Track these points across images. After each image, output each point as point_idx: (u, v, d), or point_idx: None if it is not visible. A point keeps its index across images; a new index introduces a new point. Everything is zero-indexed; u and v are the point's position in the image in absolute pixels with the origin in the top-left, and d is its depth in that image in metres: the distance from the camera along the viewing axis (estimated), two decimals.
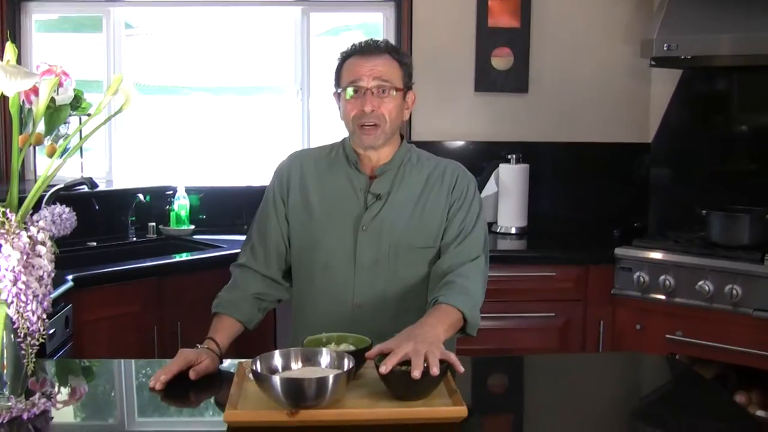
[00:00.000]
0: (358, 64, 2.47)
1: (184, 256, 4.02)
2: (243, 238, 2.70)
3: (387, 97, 2.46)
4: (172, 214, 4.51)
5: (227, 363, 2.33)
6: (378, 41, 2.54)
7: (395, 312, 2.49)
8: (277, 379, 1.86)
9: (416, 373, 1.92)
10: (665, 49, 3.97)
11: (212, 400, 2.16)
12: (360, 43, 2.53)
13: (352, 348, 2.15)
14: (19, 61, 1.88)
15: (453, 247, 2.51)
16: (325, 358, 2.03)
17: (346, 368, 1.94)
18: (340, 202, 2.54)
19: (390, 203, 2.52)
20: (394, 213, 2.51)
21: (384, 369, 1.94)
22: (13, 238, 1.75)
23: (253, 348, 2.44)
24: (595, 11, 4.68)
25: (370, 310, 2.49)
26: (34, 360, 1.84)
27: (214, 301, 2.52)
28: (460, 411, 1.91)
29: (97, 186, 3.96)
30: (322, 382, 1.85)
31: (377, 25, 4.83)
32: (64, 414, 2.00)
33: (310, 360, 2.03)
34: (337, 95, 2.54)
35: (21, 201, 1.87)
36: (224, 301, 2.51)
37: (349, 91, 2.47)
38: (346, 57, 2.53)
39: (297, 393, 1.84)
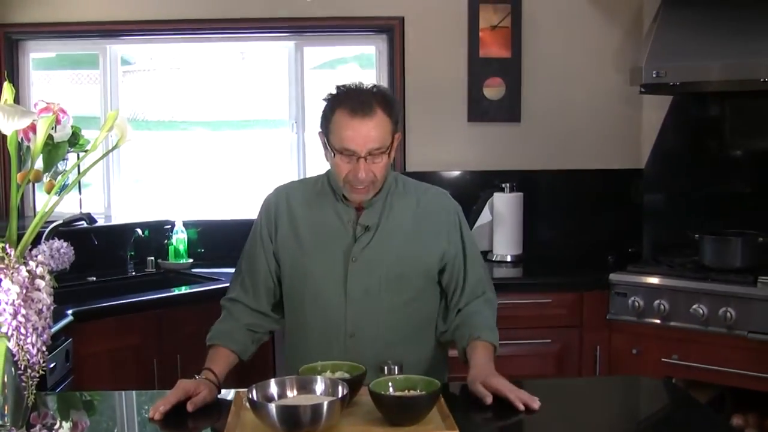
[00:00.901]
0: (351, 128, 2.38)
1: (183, 290, 4.06)
2: None
3: (379, 160, 2.43)
4: (171, 248, 4.54)
5: (230, 394, 2.35)
6: (369, 95, 2.43)
7: (388, 340, 2.53)
8: (273, 407, 1.89)
9: (536, 405, 2.17)
10: (654, 76, 4.01)
11: (210, 429, 2.18)
12: (350, 92, 2.44)
13: (346, 376, 2.18)
14: (17, 98, 1.92)
15: (460, 286, 2.59)
16: (320, 385, 2.06)
17: (340, 395, 1.97)
18: (330, 234, 2.55)
19: (379, 234, 2.54)
20: (384, 243, 2.53)
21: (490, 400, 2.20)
22: (12, 273, 1.78)
23: (253, 378, 2.47)
24: (585, 40, 4.73)
25: (363, 340, 2.52)
26: (34, 392, 1.87)
27: (208, 333, 2.54)
28: None
29: (95, 221, 4.01)
30: (316, 408, 1.88)
31: (372, 57, 4.88)
32: None
33: (306, 388, 2.06)
34: (324, 141, 2.48)
35: (20, 237, 1.91)
36: (219, 333, 2.53)
37: (341, 155, 2.41)
38: (335, 104, 2.43)
39: (292, 420, 1.87)
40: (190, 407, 2.19)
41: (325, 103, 2.49)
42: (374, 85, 2.48)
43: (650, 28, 4.25)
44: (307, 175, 4.77)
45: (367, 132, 2.38)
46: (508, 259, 4.53)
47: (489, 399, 2.21)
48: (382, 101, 2.43)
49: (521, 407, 2.18)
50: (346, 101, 2.41)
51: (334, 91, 2.48)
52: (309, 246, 2.56)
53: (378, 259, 2.52)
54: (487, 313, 2.57)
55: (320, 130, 2.51)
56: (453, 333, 2.56)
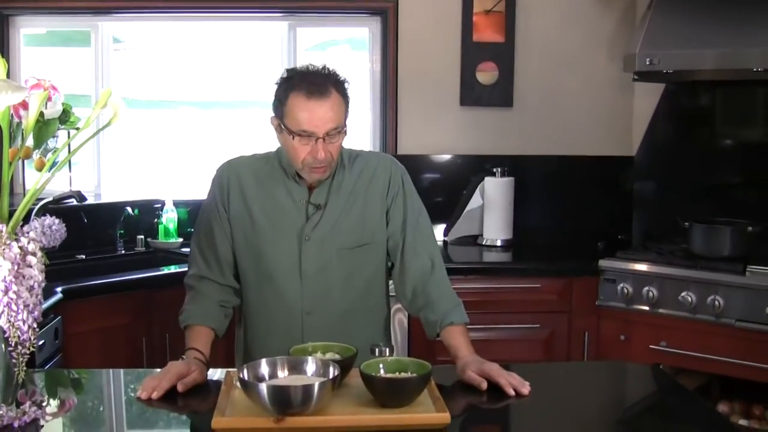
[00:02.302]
0: (308, 109, 2.38)
1: (173, 269, 4.05)
2: None
3: (336, 139, 2.44)
4: (161, 227, 4.53)
5: (216, 374, 2.36)
6: (323, 77, 2.43)
7: (343, 315, 2.57)
8: (263, 387, 1.89)
9: (526, 390, 2.20)
10: (647, 63, 4.01)
11: (200, 408, 2.17)
12: (304, 75, 2.44)
13: (337, 357, 2.18)
14: (7, 75, 1.91)
15: (411, 251, 2.60)
16: (310, 366, 2.06)
17: (331, 376, 1.97)
18: (282, 214, 2.56)
19: (329, 211, 2.56)
20: (335, 219, 2.55)
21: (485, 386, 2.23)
22: (3, 249, 1.78)
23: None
24: (579, 26, 4.73)
25: (320, 316, 2.55)
26: (24, 369, 1.86)
27: (180, 315, 2.53)
28: (443, 418, 1.94)
29: (85, 199, 4.01)
30: (307, 389, 1.88)
31: (364, 40, 4.87)
32: (53, 425, 2.01)
33: (296, 368, 2.06)
34: (279, 126, 2.47)
35: (11, 214, 1.90)
36: (194, 313, 2.51)
37: (300, 138, 2.41)
38: (289, 88, 2.43)
39: (283, 400, 1.88)
40: (180, 388, 2.19)
41: (276, 87, 2.48)
42: (325, 66, 2.47)
43: (644, 15, 4.24)
44: None
45: (324, 113, 2.39)
46: (498, 243, 4.54)
47: (484, 385, 2.23)
48: (336, 82, 2.44)
49: (511, 392, 2.19)
50: (301, 84, 2.41)
51: (285, 75, 2.48)
52: (262, 225, 2.57)
53: (330, 236, 2.55)
54: (445, 290, 2.59)
55: (273, 114, 2.50)
56: (418, 314, 2.60)
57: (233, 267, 2.62)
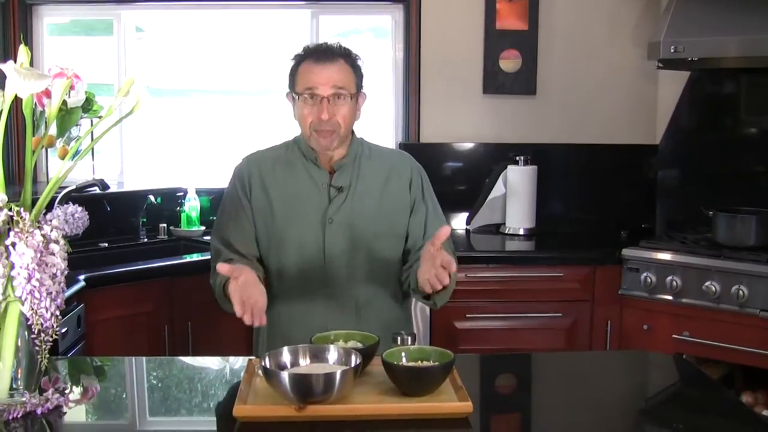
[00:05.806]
0: (314, 71, 2.50)
1: (195, 257, 4.05)
2: None
3: (342, 104, 2.50)
4: (183, 216, 4.54)
5: (238, 362, 2.36)
6: (332, 45, 2.57)
7: (366, 301, 2.58)
8: (285, 375, 1.89)
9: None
10: (672, 51, 3.98)
11: (222, 395, 2.18)
12: (314, 47, 2.57)
13: (359, 345, 2.18)
14: (31, 63, 1.91)
15: (419, 245, 2.59)
16: (332, 354, 2.06)
17: (353, 364, 1.97)
18: (304, 198, 2.59)
19: (352, 195, 2.59)
20: (358, 204, 2.58)
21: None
22: (27, 237, 1.78)
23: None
24: (603, 13, 4.70)
25: (342, 301, 2.56)
26: (47, 356, 1.87)
27: (215, 279, 2.46)
28: (466, 407, 1.93)
29: (108, 187, 4.02)
30: (329, 377, 1.88)
31: (387, 28, 4.86)
32: (76, 412, 2.03)
33: (318, 356, 2.06)
34: (292, 98, 2.57)
35: (34, 202, 1.90)
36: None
37: (306, 97, 2.50)
38: (300, 60, 2.55)
39: (305, 388, 1.87)
40: (254, 321, 2.20)
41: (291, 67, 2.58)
42: (337, 43, 2.59)
43: (669, 2, 4.21)
44: None
45: (329, 74, 2.49)
46: (521, 232, 4.52)
47: (438, 286, 2.27)
48: (345, 52, 2.57)
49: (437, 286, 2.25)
50: (311, 54, 2.54)
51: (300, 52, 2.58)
52: (284, 212, 2.59)
53: (353, 220, 2.57)
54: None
55: (288, 91, 2.59)
56: (407, 272, 2.59)
57: (258, 251, 2.63)
